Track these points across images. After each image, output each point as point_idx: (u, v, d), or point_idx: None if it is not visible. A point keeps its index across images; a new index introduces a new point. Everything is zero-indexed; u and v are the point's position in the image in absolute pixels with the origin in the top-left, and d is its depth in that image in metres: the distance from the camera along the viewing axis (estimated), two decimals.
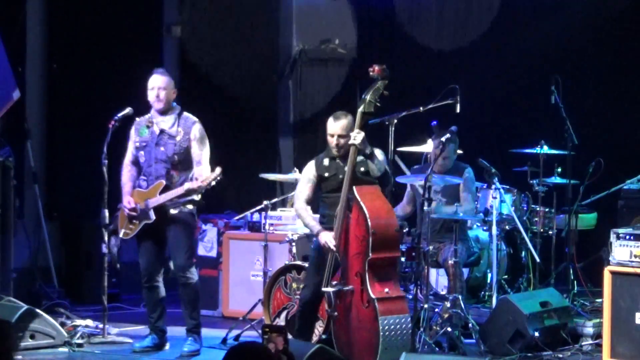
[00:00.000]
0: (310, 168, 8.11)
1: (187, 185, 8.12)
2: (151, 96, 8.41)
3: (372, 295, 7.52)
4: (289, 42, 12.74)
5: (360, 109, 7.76)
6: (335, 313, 7.77)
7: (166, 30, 11.58)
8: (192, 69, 11.77)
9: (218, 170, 8.07)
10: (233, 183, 11.81)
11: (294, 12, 12.70)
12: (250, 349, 4.28)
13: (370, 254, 7.53)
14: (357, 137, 7.74)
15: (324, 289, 7.79)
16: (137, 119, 8.53)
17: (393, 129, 9.03)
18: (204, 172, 8.18)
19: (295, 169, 9.45)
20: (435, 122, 9.20)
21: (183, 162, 8.30)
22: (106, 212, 8.60)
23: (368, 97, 7.77)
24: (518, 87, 11.07)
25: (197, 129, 8.34)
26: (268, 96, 12.60)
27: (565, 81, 9.36)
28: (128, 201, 8.34)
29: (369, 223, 7.52)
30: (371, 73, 7.86)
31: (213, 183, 8.09)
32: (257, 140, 12.29)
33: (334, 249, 7.71)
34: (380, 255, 7.57)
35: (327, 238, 7.76)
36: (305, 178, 8.13)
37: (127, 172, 8.46)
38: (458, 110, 9.14)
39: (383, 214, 7.63)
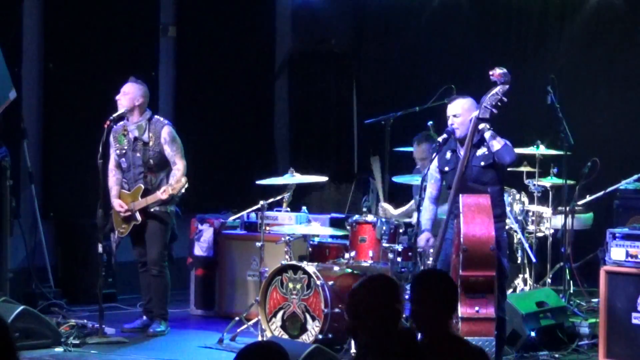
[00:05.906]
0: (434, 162, 7.55)
1: (165, 195, 8.66)
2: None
3: (459, 314, 6.99)
4: (285, 41, 12.74)
5: (475, 114, 7.22)
6: None
7: (162, 30, 11.56)
8: (188, 69, 11.76)
9: (184, 180, 8.69)
10: (229, 182, 11.82)
11: (290, 11, 12.70)
12: (263, 349, 4.11)
13: (460, 271, 7.04)
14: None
15: None
16: (114, 127, 8.96)
17: (389, 129, 9.07)
18: (177, 173, 8.75)
19: (291, 168, 9.41)
20: (430, 122, 9.21)
21: (159, 165, 8.87)
22: (102, 212, 8.66)
23: (484, 102, 7.21)
24: (514, 87, 11.05)
25: (165, 131, 8.85)
26: (264, 95, 12.60)
27: (561, 81, 9.37)
28: (119, 204, 8.92)
29: (462, 239, 7.05)
30: (491, 77, 7.25)
31: (182, 191, 8.72)
32: (254, 139, 12.28)
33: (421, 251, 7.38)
34: (471, 273, 7.06)
35: (420, 240, 7.43)
36: (430, 174, 7.59)
37: (112, 177, 9.04)
38: None
39: (479, 231, 7.10)
